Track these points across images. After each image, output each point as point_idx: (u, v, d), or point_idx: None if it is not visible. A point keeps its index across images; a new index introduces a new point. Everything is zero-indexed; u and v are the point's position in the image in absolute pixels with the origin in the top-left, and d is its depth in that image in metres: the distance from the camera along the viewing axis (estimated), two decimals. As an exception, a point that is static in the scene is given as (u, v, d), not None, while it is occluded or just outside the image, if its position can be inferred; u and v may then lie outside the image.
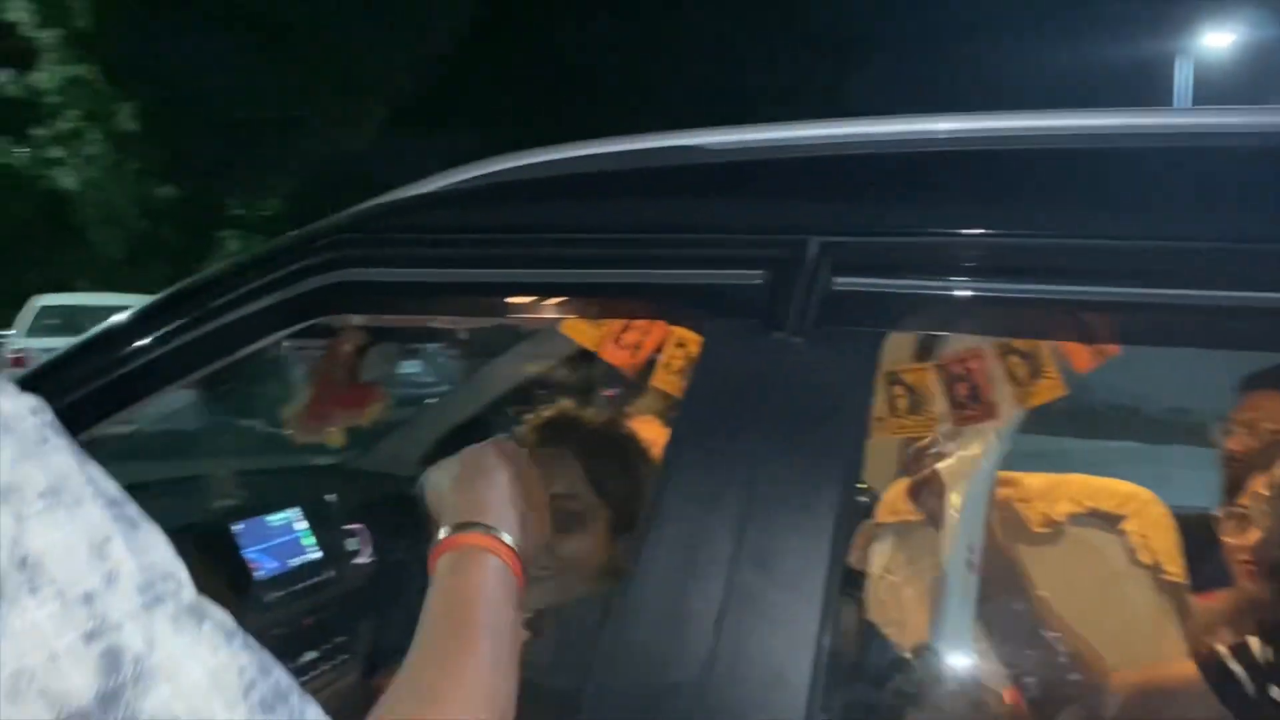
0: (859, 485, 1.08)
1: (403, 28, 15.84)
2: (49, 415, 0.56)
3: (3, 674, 0.49)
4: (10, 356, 10.52)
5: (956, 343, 1.33)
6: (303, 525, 2.25)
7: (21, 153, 15.37)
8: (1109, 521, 1.85)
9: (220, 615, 0.58)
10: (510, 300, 1.22)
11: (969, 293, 1.07)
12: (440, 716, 0.70)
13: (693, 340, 1.42)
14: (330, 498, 2.42)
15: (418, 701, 0.73)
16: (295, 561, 2.16)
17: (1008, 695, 1.57)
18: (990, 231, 1.08)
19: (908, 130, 1.16)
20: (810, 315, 1.09)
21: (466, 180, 1.25)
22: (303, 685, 1.78)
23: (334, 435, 2.00)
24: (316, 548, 2.24)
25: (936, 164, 1.14)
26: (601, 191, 1.20)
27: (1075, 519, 1.91)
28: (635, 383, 1.90)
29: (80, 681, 0.50)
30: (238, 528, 2.06)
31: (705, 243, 1.14)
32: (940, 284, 1.08)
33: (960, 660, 1.74)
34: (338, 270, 1.22)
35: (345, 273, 1.22)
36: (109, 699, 0.50)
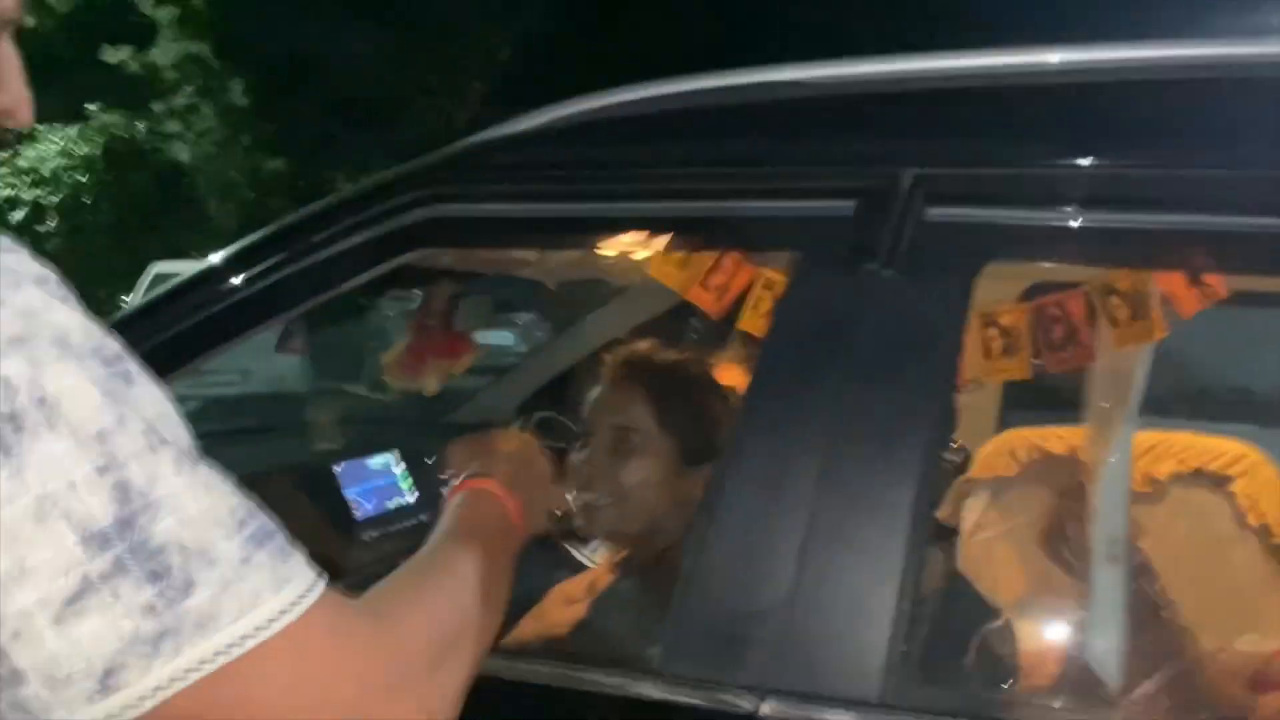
0: (950, 429, 1.06)
1: (502, 3, 15.96)
2: (54, 281, 0.59)
3: (28, 498, 0.54)
4: (130, 321, 10.99)
5: (1053, 284, 1.30)
6: (400, 469, 2.31)
7: (140, 127, 15.98)
8: (1216, 482, 1.77)
9: (212, 464, 0.62)
10: (598, 236, 1.23)
11: (1066, 223, 1.04)
12: (404, 613, 0.74)
13: (781, 282, 1.41)
14: (426, 447, 2.48)
15: (419, 575, 0.80)
16: (393, 504, 2.23)
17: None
18: (1088, 161, 1.05)
19: (1003, 62, 1.13)
20: (902, 247, 1.07)
21: (555, 119, 1.26)
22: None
23: (429, 383, 2.05)
24: (413, 491, 2.30)
25: (1033, 94, 1.11)
26: (691, 126, 1.20)
27: (1179, 479, 1.83)
28: (721, 327, 1.90)
29: (98, 507, 0.55)
30: (338, 468, 2.13)
31: (796, 175, 1.13)
32: (1036, 214, 1.05)
33: (1057, 627, 1.70)
34: (429, 206, 1.24)
35: (437, 208, 1.24)
36: (125, 523, 0.56)
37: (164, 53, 15.99)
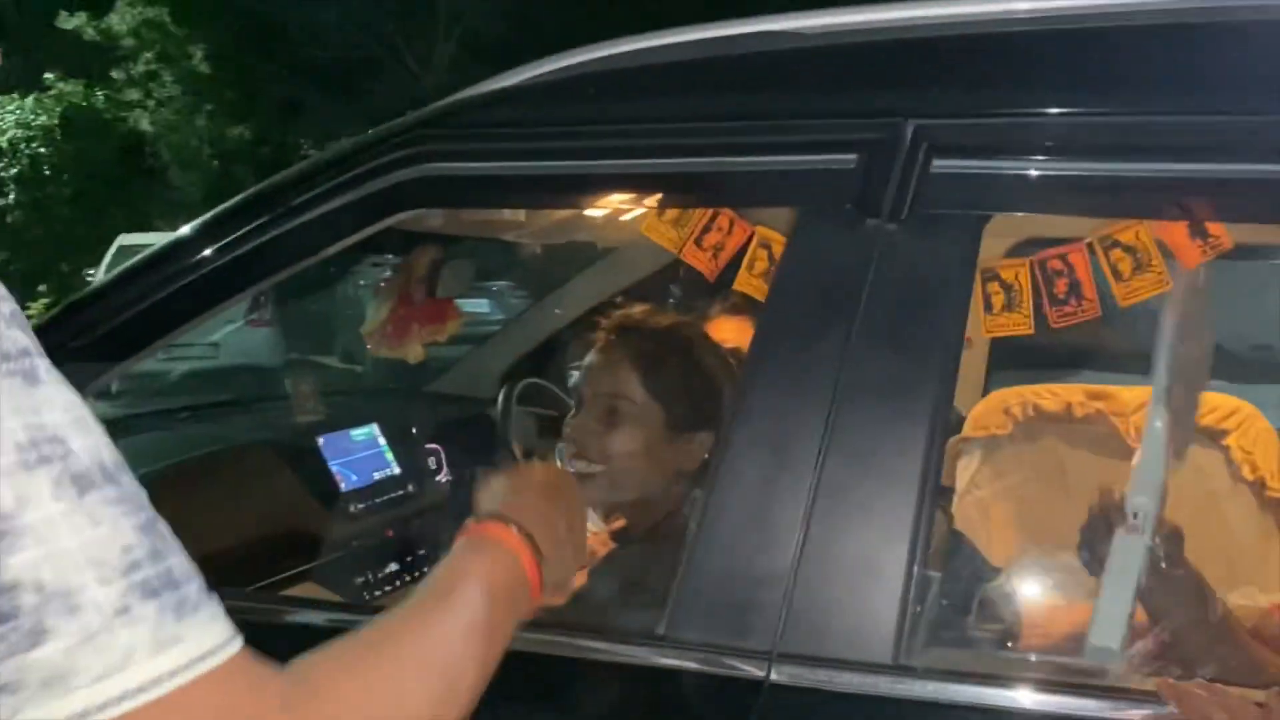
0: (955, 377, 1.03)
1: (471, -36, 15.73)
2: None
3: None
4: (96, 294, 10.84)
5: (1055, 237, 1.27)
6: (384, 441, 2.27)
7: (99, 96, 15.66)
8: (1210, 436, 1.77)
9: (122, 491, 0.53)
10: (597, 193, 1.19)
11: (1074, 173, 1.02)
12: (379, 662, 0.63)
13: (778, 241, 1.38)
14: (407, 418, 2.44)
15: (365, 645, 0.65)
16: (378, 475, 2.19)
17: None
18: (1096, 109, 1.02)
19: (1008, 7, 1.09)
20: (906, 200, 1.04)
21: (547, 73, 1.22)
22: (387, 594, 1.80)
23: (414, 351, 2.01)
24: (397, 464, 2.27)
25: (1038, 41, 1.08)
26: (686, 80, 1.16)
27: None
28: (706, 289, 1.87)
29: None
30: (322, 440, 2.09)
31: (795, 128, 1.09)
32: (1043, 164, 1.03)
33: (1056, 584, 1.70)
34: (418, 165, 1.20)
35: (425, 167, 1.20)
36: None
37: (121, 18, 15.65)
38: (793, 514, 1.02)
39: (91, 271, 11.85)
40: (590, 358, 1.56)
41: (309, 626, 1.25)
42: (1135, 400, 1.93)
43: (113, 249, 11.72)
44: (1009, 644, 1.36)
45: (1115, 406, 1.93)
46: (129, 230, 12.40)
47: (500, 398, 2.47)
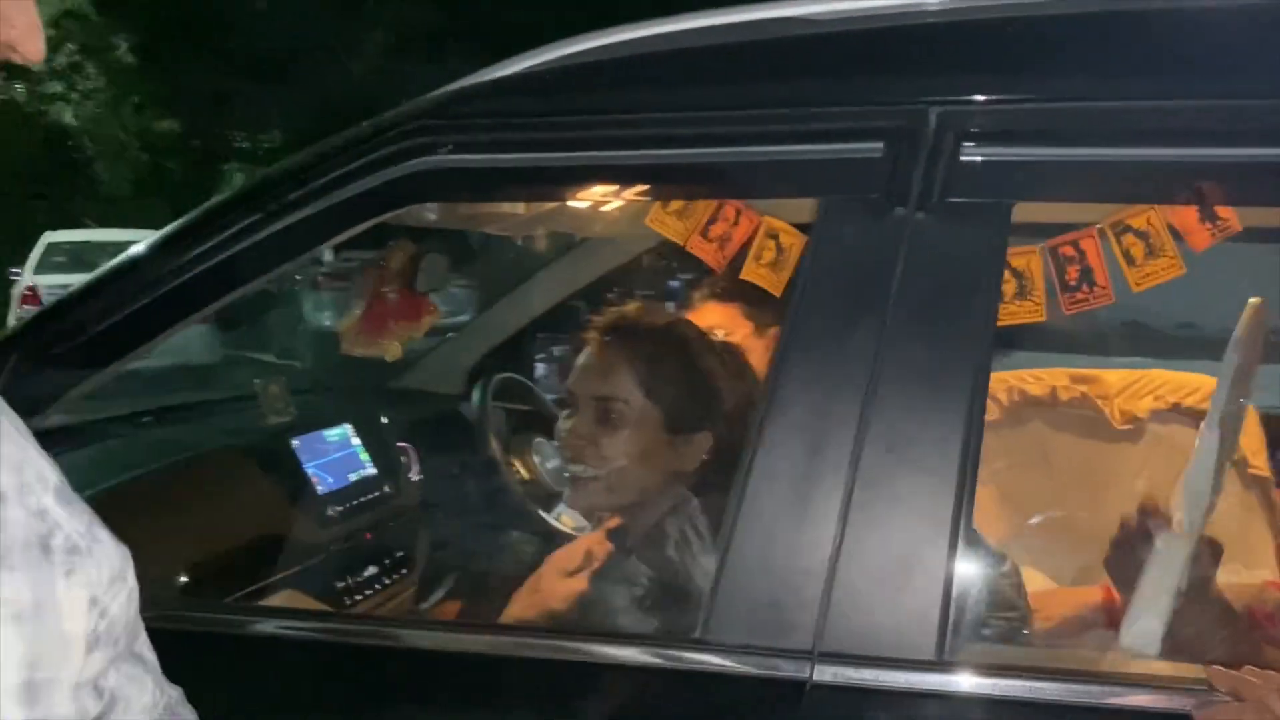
0: (990, 365, 1.02)
1: (402, -50, 15.47)
2: None
3: None
4: (23, 293, 10.48)
5: (1066, 222, 1.27)
6: (357, 441, 2.21)
7: (19, 88, 15.13)
8: (1193, 417, 1.80)
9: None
10: (611, 185, 1.16)
11: (1106, 158, 1.01)
12: None
13: (785, 231, 1.36)
14: (378, 416, 2.38)
15: None
16: (354, 476, 2.13)
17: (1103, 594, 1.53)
18: (1127, 94, 1.02)
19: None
20: (935, 188, 1.03)
21: (555, 60, 1.18)
22: (367, 598, 1.75)
23: (390, 347, 1.95)
24: (371, 464, 2.21)
25: (1064, 24, 1.07)
26: (705, 68, 1.13)
27: (1158, 415, 1.86)
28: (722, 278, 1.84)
29: None
30: (297, 443, 2.02)
31: (819, 116, 1.07)
32: (1074, 151, 1.02)
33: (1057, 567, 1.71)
34: (422, 157, 1.15)
35: (430, 160, 1.15)
36: None
37: (41, 9, 15.12)
38: (830, 509, 1.00)
39: (17, 271, 11.44)
40: (583, 359, 1.52)
41: (289, 638, 1.21)
42: (1119, 383, 1.95)
43: (40, 247, 11.34)
44: (1023, 630, 1.36)
45: (1100, 390, 1.95)
46: (54, 228, 12.00)
47: (475, 394, 2.42)
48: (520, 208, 1.51)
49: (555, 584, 1.45)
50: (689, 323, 1.61)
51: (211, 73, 15.50)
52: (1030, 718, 0.94)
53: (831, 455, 1.01)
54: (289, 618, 1.36)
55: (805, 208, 1.22)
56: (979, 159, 1.02)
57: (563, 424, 1.51)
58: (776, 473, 1.02)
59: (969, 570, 1.00)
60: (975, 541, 1.59)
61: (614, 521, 1.53)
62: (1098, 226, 1.25)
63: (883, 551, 1.00)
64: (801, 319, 1.06)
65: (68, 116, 15.56)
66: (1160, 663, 1.08)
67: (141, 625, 0.64)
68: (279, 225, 1.18)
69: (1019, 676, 0.96)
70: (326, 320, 9.66)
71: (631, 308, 1.56)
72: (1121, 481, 1.88)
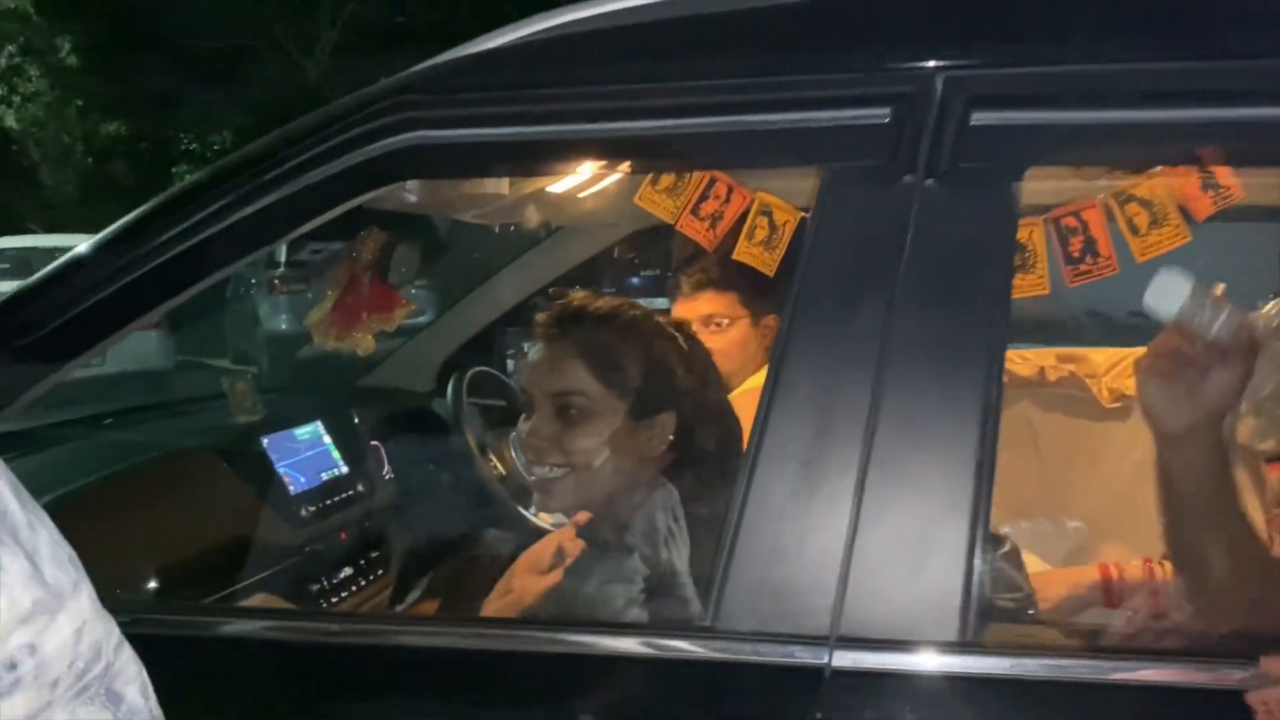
0: (1005, 336, 0.99)
1: (351, -51, 15.27)
2: None
3: None
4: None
5: (1067, 193, 1.24)
6: (328, 439, 2.15)
7: (-43, 92, 14.78)
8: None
9: None
10: (603, 159, 1.11)
11: (1119, 121, 0.98)
12: None
13: (780, 207, 1.32)
14: (349, 415, 2.32)
15: None
16: (326, 475, 2.07)
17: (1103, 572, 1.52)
18: (1140, 55, 0.99)
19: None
20: (944, 155, 0.99)
21: (542, 31, 1.13)
22: (344, 600, 1.69)
23: (363, 340, 1.89)
24: (344, 462, 2.15)
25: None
26: (702, 35, 1.09)
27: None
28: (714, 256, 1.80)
29: None
30: (267, 441, 1.95)
31: (823, 82, 1.03)
32: (1086, 115, 0.99)
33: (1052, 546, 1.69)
34: (406, 133, 1.10)
35: (414, 135, 1.10)
36: None
37: (-23, 11, 14.79)
38: (843, 490, 0.96)
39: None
40: (533, 356, 1.47)
41: (265, 639, 1.15)
42: (1107, 361, 1.94)
43: (-16, 253, 11.06)
44: (1030, 611, 1.34)
45: (1088, 368, 1.93)
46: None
47: (450, 389, 2.36)
48: (501, 191, 1.45)
49: (529, 583, 1.39)
50: (634, 304, 1.55)
51: (158, 73, 15.20)
52: (1059, 696, 0.91)
53: (843, 435, 0.98)
54: (265, 618, 1.30)
55: (801, 188, 1.19)
56: (989, 124, 0.99)
57: (522, 426, 1.45)
58: (786, 455, 0.98)
59: (986, 550, 0.97)
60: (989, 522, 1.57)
61: (584, 515, 1.48)
62: (1100, 197, 1.23)
63: (900, 532, 0.96)
64: (807, 294, 1.02)
65: (9, 120, 15.21)
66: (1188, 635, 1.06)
67: (126, 662, 0.57)
68: (248, 210, 1.12)
69: (1048, 655, 0.93)
70: (283, 324, 9.51)
71: (576, 297, 1.51)
72: (1111, 460, 1.87)
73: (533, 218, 1.93)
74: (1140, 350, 1.92)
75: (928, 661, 0.92)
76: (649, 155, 1.11)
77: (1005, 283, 0.99)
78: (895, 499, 0.96)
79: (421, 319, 2.70)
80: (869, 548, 0.95)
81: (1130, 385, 1.84)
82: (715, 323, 1.97)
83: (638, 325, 1.45)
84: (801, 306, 1.01)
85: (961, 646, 0.92)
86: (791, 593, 0.96)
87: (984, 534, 0.96)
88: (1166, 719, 0.92)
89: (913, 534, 0.96)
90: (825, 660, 0.94)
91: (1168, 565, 1.59)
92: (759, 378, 1.34)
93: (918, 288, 0.99)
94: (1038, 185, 1.23)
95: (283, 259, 9.63)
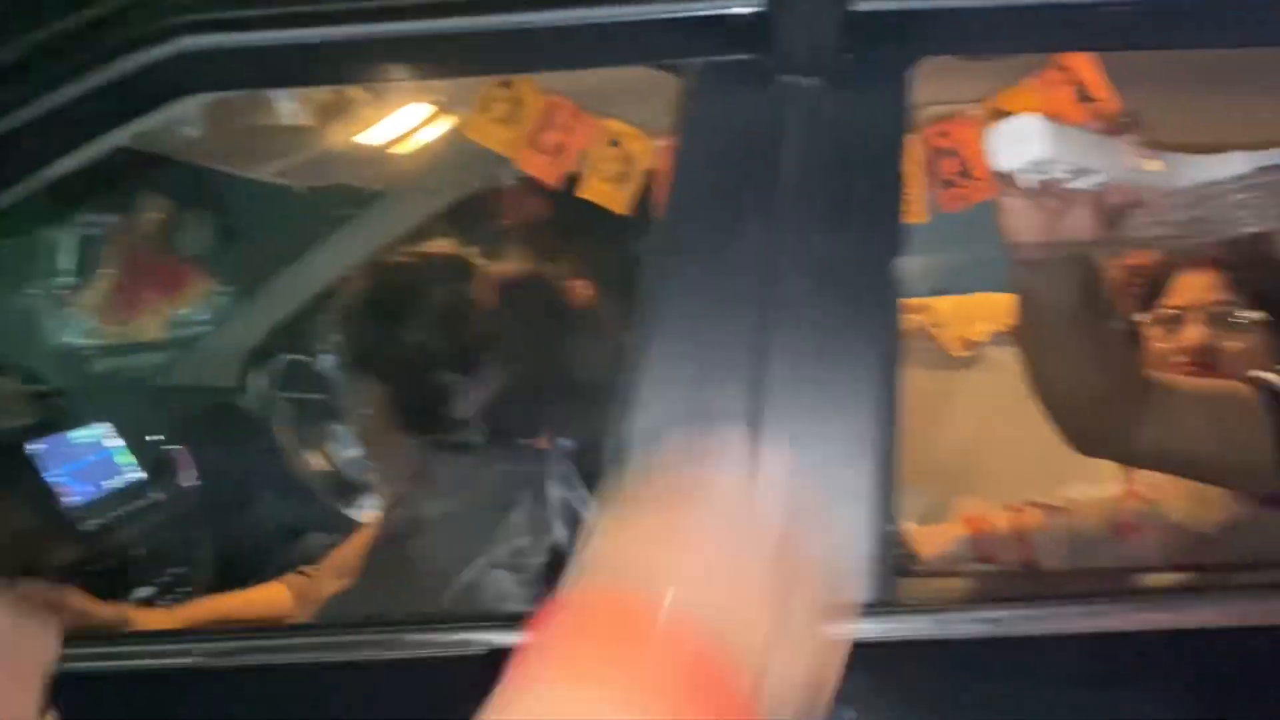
0: (899, 254, 0.87)
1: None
2: None
3: None
4: None
5: (936, 111, 1.15)
6: (115, 443, 1.87)
7: None
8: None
9: None
10: (421, 61, 0.93)
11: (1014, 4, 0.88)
12: None
13: (629, 136, 1.18)
14: (143, 415, 2.04)
15: None
16: (112, 483, 1.79)
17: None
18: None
19: None
20: (826, 49, 0.87)
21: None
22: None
23: (150, 325, 1.64)
24: (136, 468, 1.87)
25: None
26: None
27: (997, 338, 1.80)
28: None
29: None
30: (36, 448, 1.67)
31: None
32: None
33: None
34: (176, 39, 0.89)
35: (186, 41, 0.89)
36: None
37: None
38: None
39: None
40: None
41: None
42: (950, 309, 1.89)
43: None
44: (914, 567, 1.24)
45: (933, 318, 1.88)
46: None
47: (258, 384, 2.12)
48: (298, 126, 1.25)
49: (330, 589, 1.23)
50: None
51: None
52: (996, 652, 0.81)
53: (729, 368, 0.84)
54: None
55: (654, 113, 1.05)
56: (876, 9, 0.87)
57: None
58: (670, 392, 0.84)
59: (890, 501, 0.85)
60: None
61: (389, 505, 1.32)
62: (972, 110, 1.14)
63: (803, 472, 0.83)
64: (678, 216, 0.88)
65: None
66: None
67: None
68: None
69: (977, 609, 0.82)
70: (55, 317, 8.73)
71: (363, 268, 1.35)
72: (965, 410, 1.82)
73: (345, 180, 1.73)
74: (989, 295, 1.90)
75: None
76: (476, 55, 0.93)
77: (896, 188, 0.87)
78: (791, 437, 0.83)
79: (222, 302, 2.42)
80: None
81: (977, 332, 1.80)
82: None
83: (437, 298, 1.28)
84: (673, 231, 0.87)
85: (881, 607, 0.80)
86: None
87: (886, 482, 0.85)
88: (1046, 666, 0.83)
89: (812, 479, 0.83)
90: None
91: (1031, 509, 1.55)
92: None
93: (803, 199, 0.85)
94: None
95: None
